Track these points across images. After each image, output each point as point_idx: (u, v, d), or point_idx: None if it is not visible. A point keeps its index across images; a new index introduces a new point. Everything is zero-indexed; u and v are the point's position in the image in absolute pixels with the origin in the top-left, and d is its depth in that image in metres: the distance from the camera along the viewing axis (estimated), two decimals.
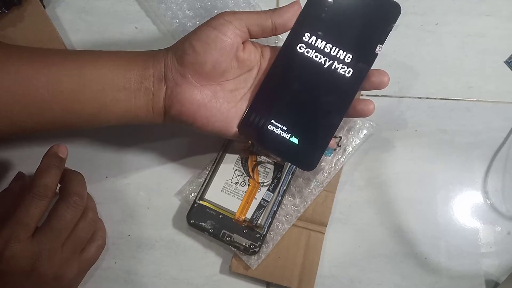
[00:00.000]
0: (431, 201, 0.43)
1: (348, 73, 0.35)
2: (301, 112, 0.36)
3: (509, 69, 0.46)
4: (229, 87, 0.36)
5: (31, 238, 0.34)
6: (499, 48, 0.46)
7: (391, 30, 0.35)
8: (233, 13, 0.34)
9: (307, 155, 0.36)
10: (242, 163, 0.42)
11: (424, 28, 0.46)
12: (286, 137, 0.36)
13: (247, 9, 0.44)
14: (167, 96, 0.35)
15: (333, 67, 0.35)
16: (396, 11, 0.34)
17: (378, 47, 0.35)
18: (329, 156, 0.42)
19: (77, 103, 0.34)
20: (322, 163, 0.42)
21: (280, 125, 0.36)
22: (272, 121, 0.36)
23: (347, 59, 0.35)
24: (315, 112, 0.36)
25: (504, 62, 0.46)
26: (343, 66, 0.35)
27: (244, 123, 0.36)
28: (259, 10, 0.44)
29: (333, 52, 0.35)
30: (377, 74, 0.36)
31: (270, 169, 0.42)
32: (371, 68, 0.35)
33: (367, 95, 0.44)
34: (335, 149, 0.42)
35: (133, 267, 0.42)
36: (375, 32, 0.35)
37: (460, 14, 0.47)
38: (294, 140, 0.36)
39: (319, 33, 0.35)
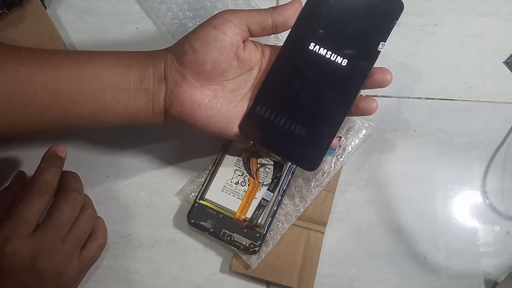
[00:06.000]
0: (430, 201, 0.44)
1: (351, 71, 0.35)
2: (303, 111, 0.35)
3: (508, 69, 0.46)
4: (230, 87, 0.36)
5: (32, 234, 0.34)
6: (498, 48, 0.46)
7: (393, 27, 0.34)
8: (233, 11, 0.34)
9: (310, 155, 0.36)
10: (243, 162, 0.42)
11: (423, 29, 0.47)
12: (288, 137, 0.36)
13: None
14: (167, 96, 0.35)
15: (335, 65, 0.35)
16: (398, 8, 0.34)
17: (380, 45, 0.34)
18: (331, 155, 0.42)
19: (76, 103, 0.34)
20: (322, 163, 0.42)
21: (281, 125, 0.36)
22: (274, 120, 0.36)
23: (350, 57, 0.35)
24: (317, 111, 0.35)
25: (503, 62, 0.46)
26: (346, 64, 0.35)
27: (245, 123, 0.36)
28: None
29: (336, 51, 0.35)
30: (380, 72, 0.35)
31: (270, 169, 0.42)
32: (374, 66, 0.35)
33: (366, 95, 0.44)
34: (336, 149, 0.43)
35: (133, 266, 0.42)
36: (378, 29, 0.34)
37: (459, 15, 0.47)
38: (296, 140, 0.36)
39: (320, 31, 0.35)
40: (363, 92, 0.44)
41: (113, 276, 0.42)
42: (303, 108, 0.35)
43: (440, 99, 0.46)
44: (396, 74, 0.45)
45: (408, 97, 0.45)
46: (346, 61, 0.35)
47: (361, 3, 0.34)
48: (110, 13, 0.46)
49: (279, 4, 0.35)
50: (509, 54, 0.46)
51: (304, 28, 0.35)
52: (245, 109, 0.36)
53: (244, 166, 0.42)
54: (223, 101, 0.35)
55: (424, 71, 0.46)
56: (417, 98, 0.46)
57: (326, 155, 0.42)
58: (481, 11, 0.47)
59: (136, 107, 0.35)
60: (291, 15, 0.34)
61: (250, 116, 0.36)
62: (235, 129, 0.36)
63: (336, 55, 0.35)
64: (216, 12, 0.44)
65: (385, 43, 0.34)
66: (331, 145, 0.36)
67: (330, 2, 0.35)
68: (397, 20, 0.34)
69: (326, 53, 0.35)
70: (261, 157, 0.42)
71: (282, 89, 0.36)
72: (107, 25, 0.46)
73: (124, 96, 0.34)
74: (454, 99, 0.46)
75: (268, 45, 0.37)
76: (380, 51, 0.34)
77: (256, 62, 0.36)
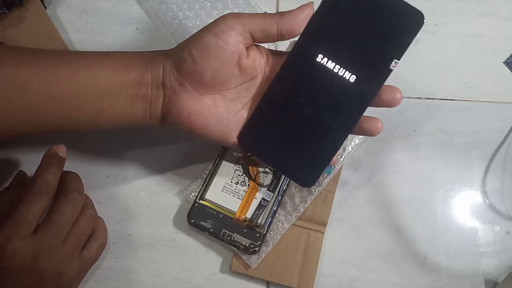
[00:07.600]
0: (430, 201, 0.44)
1: (359, 90, 0.32)
2: (304, 127, 0.33)
3: (508, 69, 0.46)
4: (231, 95, 0.34)
5: (32, 234, 0.34)
6: (498, 48, 0.46)
7: (410, 43, 0.30)
8: (236, 17, 0.32)
9: (307, 172, 0.34)
10: (242, 167, 0.42)
11: (423, 29, 0.46)
12: (286, 152, 0.34)
13: (247, 10, 0.44)
14: (165, 104, 0.34)
15: (342, 82, 0.32)
16: (419, 22, 0.30)
17: (393, 62, 0.31)
18: (330, 173, 0.42)
19: (72, 108, 0.33)
20: None
21: (280, 139, 0.34)
22: (273, 134, 0.34)
23: (359, 75, 0.32)
24: (319, 128, 0.33)
25: (503, 62, 0.46)
26: (354, 82, 0.32)
27: (244, 135, 0.35)
28: (259, 11, 0.45)
29: (344, 66, 0.32)
30: (389, 92, 0.32)
31: (270, 169, 0.42)
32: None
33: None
34: (334, 167, 0.42)
35: (133, 266, 0.42)
36: (393, 46, 0.31)
37: (459, 15, 0.47)
38: (295, 155, 0.34)
39: (330, 42, 0.32)
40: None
41: (113, 276, 0.42)
42: (304, 124, 0.33)
43: (440, 99, 0.46)
44: (396, 74, 0.45)
45: (408, 97, 0.45)
46: (355, 77, 0.32)
47: (379, 14, 0.31)
48: (110, 13, 0.46)
49: (279, 5, 0.34)
50: (509, 54, 0.46)
51: (312, 38, 0.32)
52: (245, 118, 0.35)
53: (244, 170, 0.42)
54: (223, 111, 0.34)
55: (424, 71, 0.46)
56: (417, 98, 0.46)
57: (324, 173, 0.41)
58: (481, 11, 0.47)
59: (133, 112, 0.34)
60: (300, 22, 0.32)
61: (249, 128, 0.35)
62: (233, 138, 0.35)
63: (344, 70, 0.32)
64: (216, 12, 0.44)
65: (398, 61, 0.31)
66: (330, 163, 0.34)
67: (345, 10, 0.31)
68: (415, 36, 0.30)
69: (334, 67, 0.32)
70: (259, 165, 0.42)
71: (284, 102, 0.34)
72: (107, 25, 0.46)
73: (122, 102, 0.34)
74: (454, 99, 0.46)
75: (273, 50, 0.35)
76: (392, 70, 0.31)
77: (259, 70, 0.34)
